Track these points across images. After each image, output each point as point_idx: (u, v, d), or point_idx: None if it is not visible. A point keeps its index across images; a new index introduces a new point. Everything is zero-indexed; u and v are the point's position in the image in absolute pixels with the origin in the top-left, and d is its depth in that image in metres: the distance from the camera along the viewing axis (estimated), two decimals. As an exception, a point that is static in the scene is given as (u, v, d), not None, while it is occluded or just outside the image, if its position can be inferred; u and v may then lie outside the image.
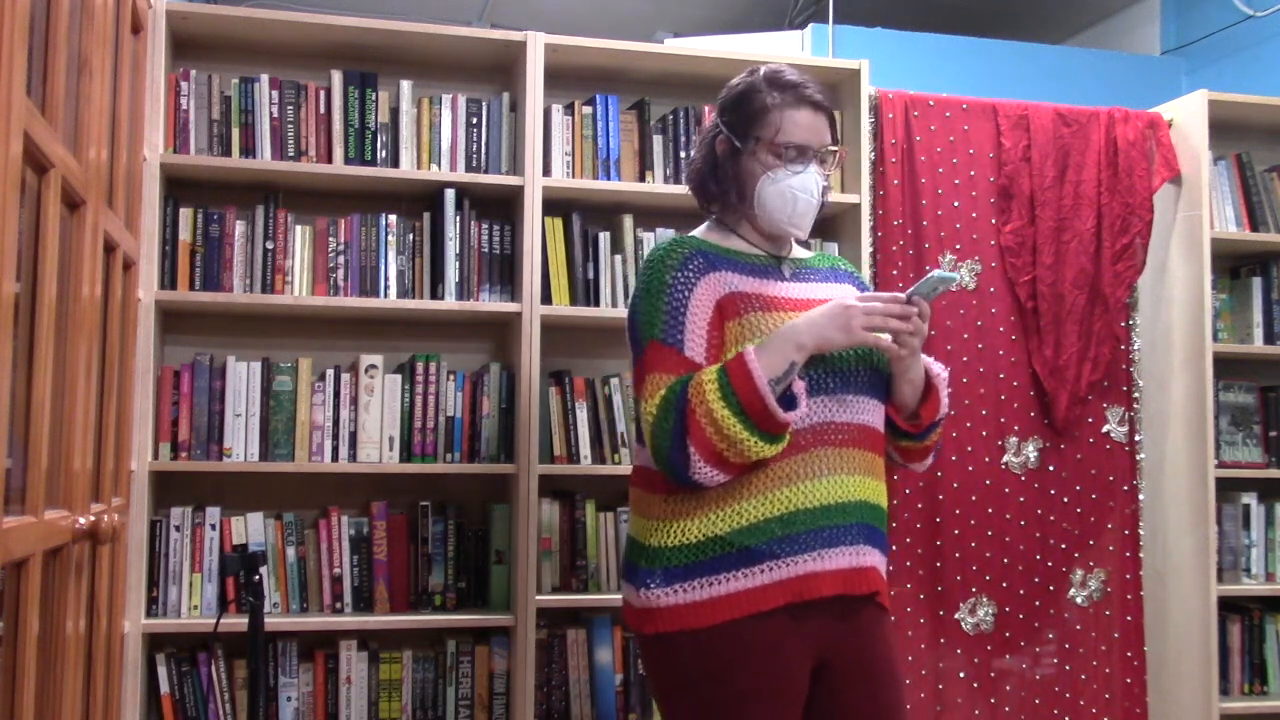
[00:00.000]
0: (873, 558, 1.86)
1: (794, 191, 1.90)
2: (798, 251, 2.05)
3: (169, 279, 2.63)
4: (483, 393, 2.78)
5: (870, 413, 1.90)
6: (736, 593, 1.78)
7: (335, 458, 2.70)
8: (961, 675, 2.98)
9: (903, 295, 1.83)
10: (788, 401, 1.78)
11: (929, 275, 1.82)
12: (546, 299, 2.78)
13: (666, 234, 2.89)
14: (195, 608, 2.62)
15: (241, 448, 2.64)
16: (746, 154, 1.93)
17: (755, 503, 1.80)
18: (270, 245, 2.70)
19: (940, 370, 1.97)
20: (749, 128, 1.93)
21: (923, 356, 1.95)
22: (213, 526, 2.64)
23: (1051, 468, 3.09)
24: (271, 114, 2.72)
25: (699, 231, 2.02)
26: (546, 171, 2.81)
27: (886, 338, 1.85)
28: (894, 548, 2.95)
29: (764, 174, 1.91)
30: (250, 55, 2.84)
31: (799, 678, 1.81)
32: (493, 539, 2.81)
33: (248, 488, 2.76)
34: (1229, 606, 3.21)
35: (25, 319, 1.43)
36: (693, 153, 2.06)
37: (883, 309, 1.80)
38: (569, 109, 2.88)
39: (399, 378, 2.74)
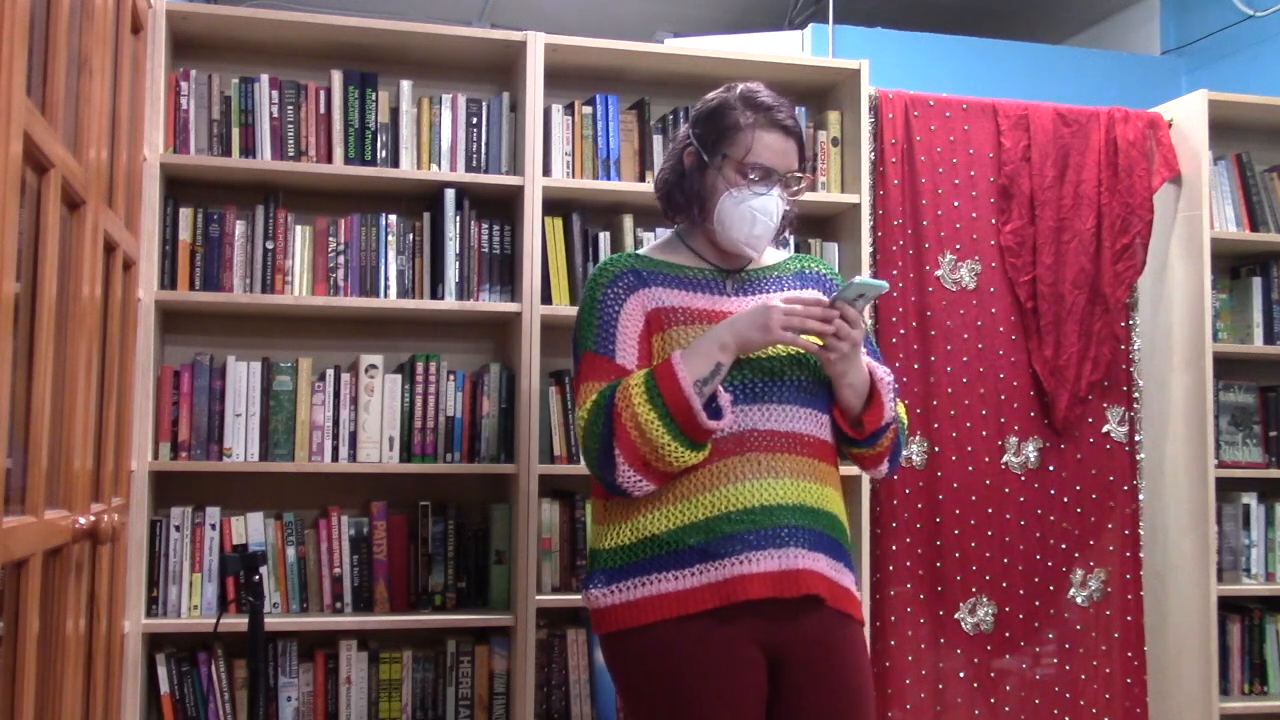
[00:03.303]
0: (808, 560, 1.83)
1: (754, 212, 1.90)
2: (767, 257, 2.05)
3: (169, 279, 2.64)
4: (483, 393, 2.78)
5: (802, 420, 1.89)
6: (667, 594, 1.81)
7: (335, 458, 2.70)
8: (961, 675, 2.98)
9: (826, 299, 1.84)
10: (713, 411, 1.80)
11: (852, 281, 1.82)
12: (546, 299, 2.78)
13: (666, 234, 2.89)
14: (195, 608, 2.62)
15: (241, 448, 2.64)
16: (712, 169, 1.94)
17: (683, 506, 1.83)
18: (270, 245, 2.70)
19: (885, 375, 1.95)
20: (718, 144, 1.93)
21: (870, 361, 1.94)
22: (213, 526, 2.64)
23: (1051, 468, 3.09)
24: (271, 114, 2.72)
25: (648, 247, 2.08)
26: (546, 171, 2.81)
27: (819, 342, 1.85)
28: (894, 548, 2.95)
29: (727, 191, 1.91)
30: (250, 55, 2.84)
31: (750, 676, 1.81)
32: (493, 539, 2.81)
33: (248, 488, 2.76)
34: (1229, 606, 3.21)
35: (25, 319, 1.43)
36: (662, 167, 2.06)
37: (803, 310, 1.80)
38: (569, 109, 2.88)
39: (399, 378, 2.74)
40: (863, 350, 1.90)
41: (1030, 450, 3.08)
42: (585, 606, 1.93)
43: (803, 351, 1.90)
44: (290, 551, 2.69)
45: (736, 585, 1.80)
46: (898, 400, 2.03)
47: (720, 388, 1.83)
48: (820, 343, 1.84)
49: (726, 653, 1.80)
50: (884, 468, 2.04)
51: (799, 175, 1.96)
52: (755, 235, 1.92)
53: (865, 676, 1.91)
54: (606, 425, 1.79)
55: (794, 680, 1.84)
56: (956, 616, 2.99)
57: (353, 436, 2.71)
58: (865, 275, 1.86)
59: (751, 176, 1.90)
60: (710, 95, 2.01)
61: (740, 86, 1.98)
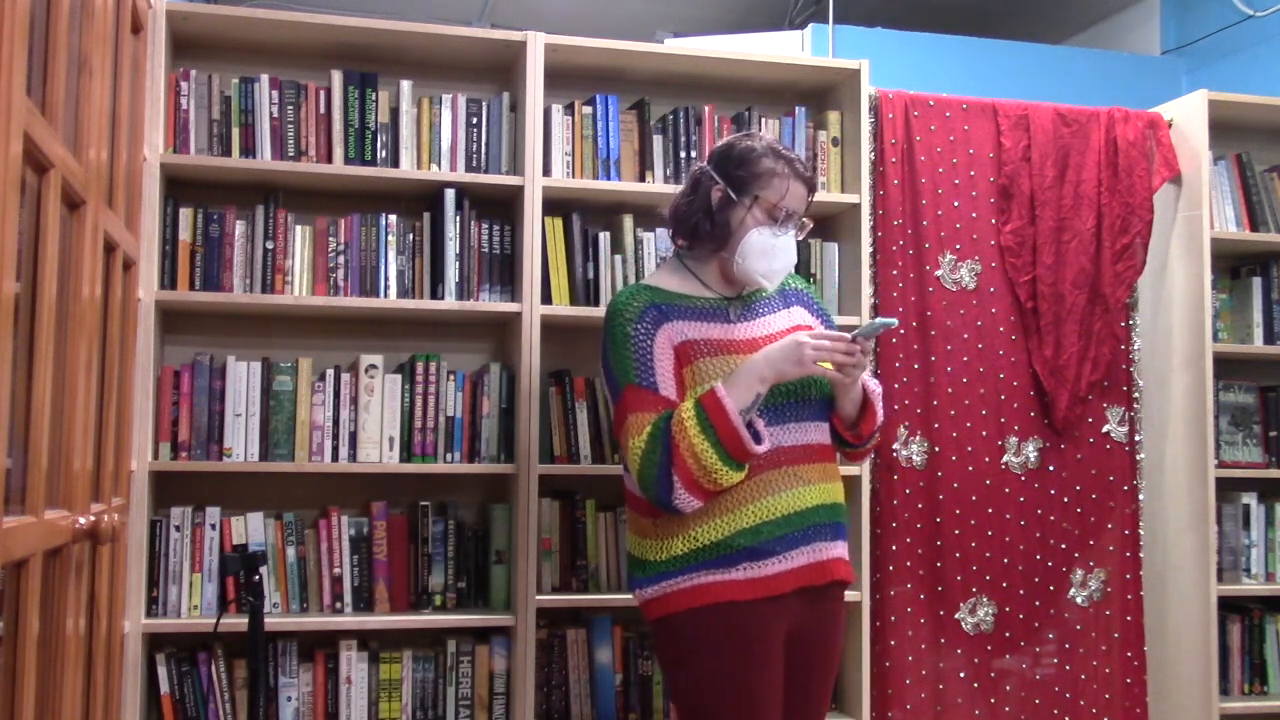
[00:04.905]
0: (833, 550, 2.15)
1: (778, 250, 2.14)
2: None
3: (169, 279, 2.64)
4: (483, 393, 2.78)
5: (814, 432, 2.16)
6: (715, 584, 2.06)
7: (335, 458, 2.69)
8: (961, 675, 2.98)
9: (848, 335, 2.07)
10: (753, 436, 2.03)
11: (872, 321, 2.08)
12: (546, 299, 2.78)
13: (666, 259, 2.89)
14: (195, 608, 2.62)
15: (241, 448, 2.64)
16: (740, 206, 2.14)
17: (732, 517, 2.07)
18: (270, 245, 2.70)
19: (875, 386, 2.22)
20: (751, 185, 2.13)
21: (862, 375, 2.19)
22: (213, 526, 2.64)
23: (1051, 468, 3.09)
24: (271, 114, 2.72)
25: (654, 278, 2.24)
26: (546, 171, 2.81)
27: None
28: (894, 548, 2.95)
29: (755, 228, 2.12)
30: (250, 55, 2.84)
31: (776, 649, 2.08)
32: (493, 539, 2.81)
33: (248, 488, 2.76)
34: (1229, 606, 3.21)
35: (25, 319, 1.42)
36: (680, 197, 2.23)
37: (830, 346, 2.04)
38: (569, 109, 2.88)
39: (399, 378, 2.74)
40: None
41: (1030, 450, 3.08)
42: (639, 600, 2.14)
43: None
44: (290, 551, 2.69)
45: (778, 580, 2.06)
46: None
47: (755, 414, 2.04)
48: (832, 368, 2.09)
49: (759, 639, 2.05)
50: (865, 461, 2.29)
51: (804, 220, 2.19)
52: (774, 269, 2.14)
53: (842, 635, 2.24)
54: (665, 454, 2.00)
55: (799, 653, 2.12)
56: (956, 616, 2.99)
57: (353, 436, 2.70)
58: (884, 317, 2.12)
59: (779, 218, 2.12)
60: (733, 140, 2.20)
61: (762, 140, 2.18)
